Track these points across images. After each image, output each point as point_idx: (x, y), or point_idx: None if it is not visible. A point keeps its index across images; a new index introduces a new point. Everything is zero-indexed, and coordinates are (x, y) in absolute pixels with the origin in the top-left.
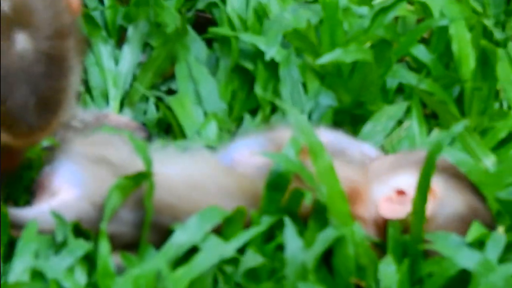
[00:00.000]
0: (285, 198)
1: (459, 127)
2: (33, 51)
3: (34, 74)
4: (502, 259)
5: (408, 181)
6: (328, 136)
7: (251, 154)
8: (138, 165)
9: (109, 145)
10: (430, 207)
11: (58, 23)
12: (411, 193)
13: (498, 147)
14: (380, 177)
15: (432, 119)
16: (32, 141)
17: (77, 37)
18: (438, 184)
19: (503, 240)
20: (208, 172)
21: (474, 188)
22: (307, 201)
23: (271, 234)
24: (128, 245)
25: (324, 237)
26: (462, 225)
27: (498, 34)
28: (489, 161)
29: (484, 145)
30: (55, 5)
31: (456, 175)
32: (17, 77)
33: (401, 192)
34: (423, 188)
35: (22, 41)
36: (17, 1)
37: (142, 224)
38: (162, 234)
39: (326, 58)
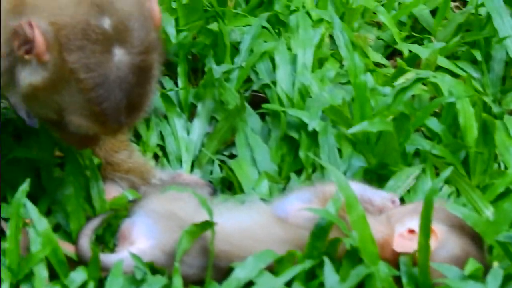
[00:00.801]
0: (325, 245)
1: (446, 172)
2: (128, 64)
3: (127, 82)
4: None
5: (411, 224)
6: (356, 186)
7: (301, 208)
8: (201, 217)
9: (178, 201)
10: (432, 245)
11: (148, 40)
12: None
13: (496, 200)
14: (401, 221)
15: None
16: (117, 134)
17: (159, 51)
18: (441, 230)
19: (501, 273)
20: (261, 221)
21: (472, 237)
22: (346, 245)
23: (314, 274)
24: (194, 283)
25: (356, 274)
26: (456, 264)
27: (495, 109)
28: (489, 212)
29: (485, 199)
30: (147, 24)
31: (458, 226)
32: (113, 84)
33: (412, 231)
34: (426, 225)
35: (119, 55)
36: (117, 20)
37: (206, 265)
38: (221, 275)
39: (355, 129)
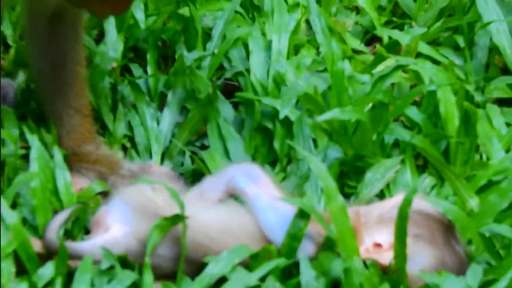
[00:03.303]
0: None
1: (424, 183)
2: None
3: None
4: (482, 287)
5: (385, 237)
6: None
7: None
8: (174, 209)
9: (151, 192)
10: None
11: None
12: (385, 246)
13: (478, 193)
14: (369, 229)
15: (424, 168)
16: None
17: None
18: (411, 241)
19: (480, 269)
20: (237, 218)
21: (448, 242)
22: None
23: (291, 273)
24: (167, 276)
25: (333, 268)
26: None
27: (478, 97)
28: (474, 202)
29: (470, 189)
30: None
31: (430, 232)
32: None
33: (378, 245)
34: (402, 236)
35: None
36: None
37: (179, 259)
38: (195, 267)
39: (326, 116)
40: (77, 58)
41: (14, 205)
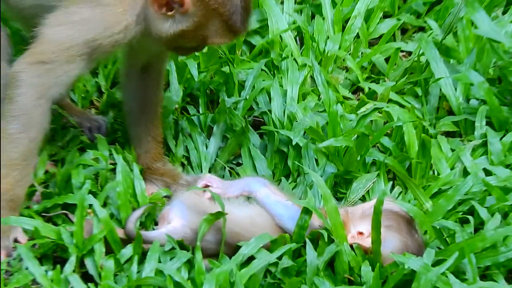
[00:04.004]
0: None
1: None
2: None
3: (245, 9)
4: (434, 265)
5: (365, 228)
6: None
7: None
8: (217, 208)
9: (202, 196)
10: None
11: None
12: (366, 234)
13: (431, 197)
14: (354, 222)
15: (394, 180)
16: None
17: None
18: (384, 230)
19: (433, 252)
20: (261, 213)
21: (407, 230)
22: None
23: (300, 254)
24: (211, 256)
25: (330, 250)
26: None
27: (431, 131)
28: (428, 204)
29: (425, 195)
30: None
31: (394, 225)
32: (238, 9)
33: (361, 233)
34: (377, 227)
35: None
36: None
37: (220, 243)
38: (232, 249)
39: (325, 144)
40: (157, 100)
41: (104, 204)
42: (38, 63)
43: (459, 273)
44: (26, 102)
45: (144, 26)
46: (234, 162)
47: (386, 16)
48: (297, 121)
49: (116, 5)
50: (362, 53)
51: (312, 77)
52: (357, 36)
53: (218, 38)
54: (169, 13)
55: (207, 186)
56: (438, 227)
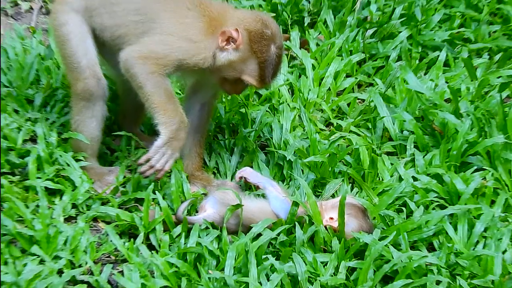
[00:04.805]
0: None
1: (353, 191)
2: (277, 53)
3: (275, 62)
4: (380, 239)
5: (335, 215)
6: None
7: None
8: (236, 201)
9: (226, 194)
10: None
11: (282, 45)
12: (335, 219)
13: (378, 195)
14: (327, 211)
15: (353, 183)
16: (265, 87)
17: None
18: (346, 217)
19: (379, 232)
20: (265, 205)
21: (362, 217)
22: (305, 217)
23: (291, 231)
24: (233, 233)
25: (310, 230)
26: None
27: (378, 151)
28: (376, 200)
29: (374, 194)
30: (281, 35)
31: (354, 214)
32: (271, 61)
33: (332, 218)
34: (342, 214)
35: (273, 48)
36: (273, 31)
37: (239, 225)
38: (246, 229)
39: (308, 159)
40: (206, 129)
41: (162, 198)
42: (147, 57)
43: (396, 245)
44: (144, 75)
45: (212, 59)
46: None
47: (348, 76)
48: (289, 145)
49: (202, 42)
50: (332, 100)
51: (299, 115)
52: (329, 89)
53: (250, 77)
54: (227, 46)
55: (241, 178)
56: (382, 215)
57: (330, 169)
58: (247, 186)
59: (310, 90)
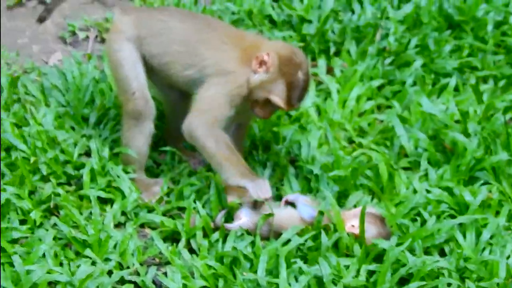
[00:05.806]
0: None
1: (373, 202)
2: (304, 78)
3: (303, 87)
4: (397, 245)
5: (356, 223)
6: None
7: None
8: (269, 210)
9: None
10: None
11: (309, 71)
12: (356, 226)
13: (395, 206)
14: (349, 219)
15: (373, 195)
16: (291, 110)
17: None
18: (367, 224)
19: (396, 238)
20: (294, 213)
21: (380, 225)
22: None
23: (317, 237)
24: (265, 239)
25: (335, 236)
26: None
27: (395, 167)
28: (394, 210)
29: (391, 205)
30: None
31: (373, 222)
32: (298, 86)
33: (353, 226)
34: (362, 222)
35: (300, 74)
36: (300, 59)
37: (270, 231)
38: (277, 235)
39: (332, 173)
40: (241, 146)
41: (202, 207)
42: (204, 114)
43: (411, 250)
44: (205, 133)
45: (247, 84)
46: (279, 183)
47: (368, 99)
48: (316, 160)
49: (242, 77)
50: (354, 120)
51: (325, 134)
52: (352, 110)
53: (278, 97)
54: (259, 69)
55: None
56: (398, 223)
57: (352, 182)
58: (278, 198)
59: (335, 111)
